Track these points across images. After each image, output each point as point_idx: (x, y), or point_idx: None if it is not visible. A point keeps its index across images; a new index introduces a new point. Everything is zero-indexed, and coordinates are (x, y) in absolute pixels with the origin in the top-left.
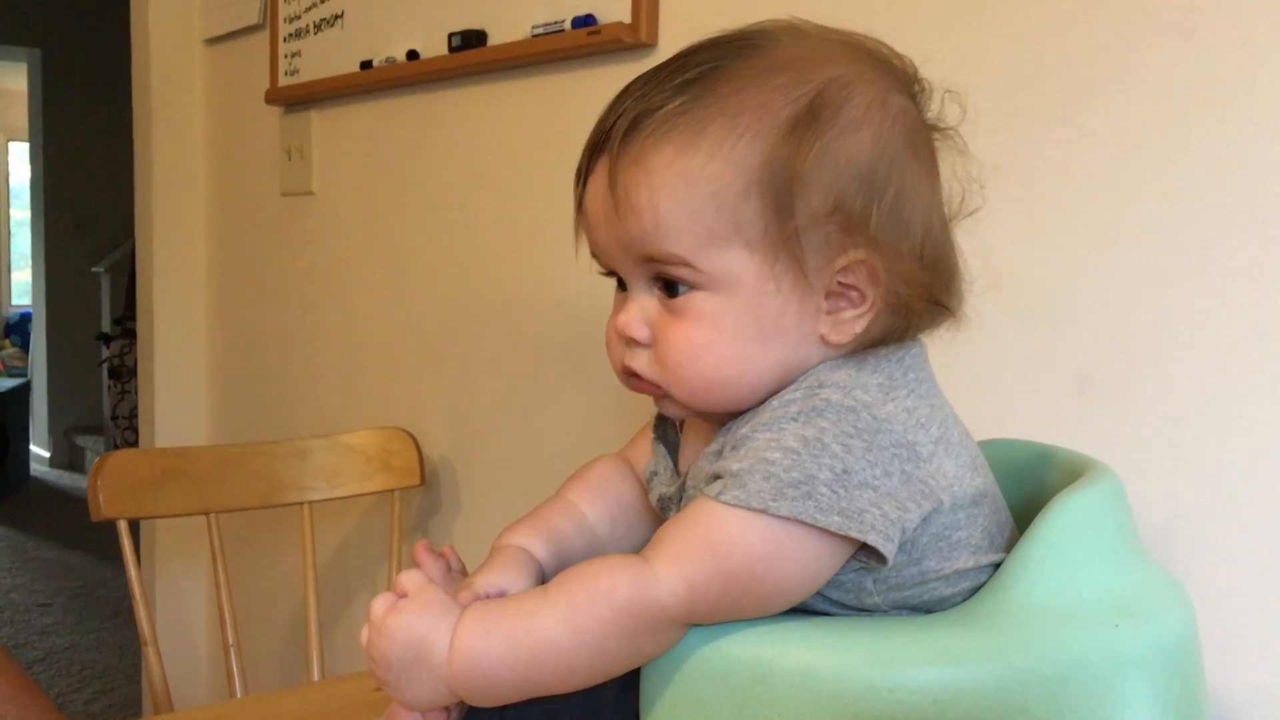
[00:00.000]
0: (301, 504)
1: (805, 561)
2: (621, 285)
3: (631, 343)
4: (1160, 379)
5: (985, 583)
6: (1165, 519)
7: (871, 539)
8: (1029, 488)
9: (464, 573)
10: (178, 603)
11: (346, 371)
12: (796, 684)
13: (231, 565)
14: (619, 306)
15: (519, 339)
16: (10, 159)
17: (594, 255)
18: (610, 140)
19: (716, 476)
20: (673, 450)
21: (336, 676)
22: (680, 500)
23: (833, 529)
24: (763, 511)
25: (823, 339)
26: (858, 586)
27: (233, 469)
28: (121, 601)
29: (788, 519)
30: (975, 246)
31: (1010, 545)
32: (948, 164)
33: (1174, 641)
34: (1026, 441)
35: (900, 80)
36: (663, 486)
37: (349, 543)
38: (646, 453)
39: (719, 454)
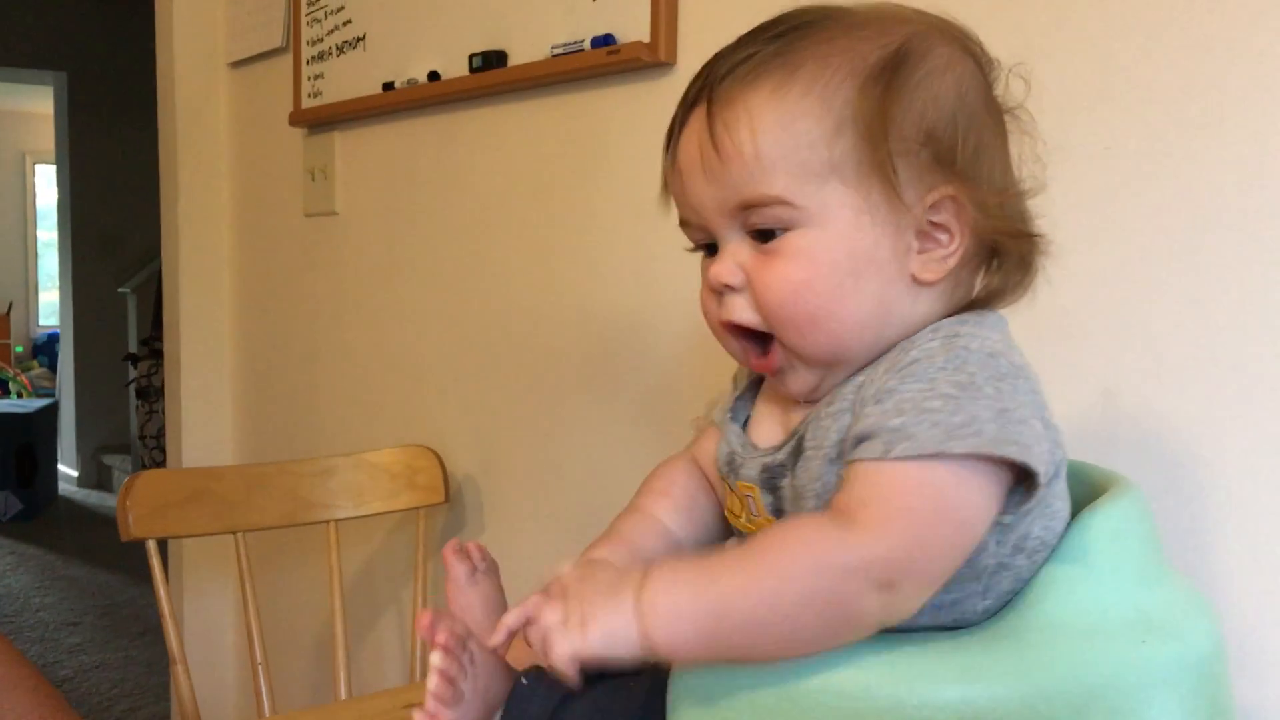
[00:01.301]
0: (327, 522)
1: (982, 498)
2: (709, 252)
3: (727, 290)
4: (1185, 392)
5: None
6: (1191, 533)
7: (1041, 468)
8: None
9: (491, 571)
10: (206, 621)
11: (371, 390)
12: (823, 701)
13: (259, 584)
14: (709, 268)
15: (541, 356)
16: (37, 181)
17: (683, 221)
18: (708, 87)
19: (863, 438)
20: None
21: (364, 695)
22: (796, 465)
23: (1011, 456)
24: (937, 455)
25: (914, 278)
26: (980, 544)
27: (259, 488)
28: (149, 620)
29: (965, 455)
30: None
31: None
32: (1014, 142)
33: (1201, 657)
34: None
35: (971, 51)
36: (764, 458)
37: (375, 561)
38: (711, 449)
39: (849, 410)
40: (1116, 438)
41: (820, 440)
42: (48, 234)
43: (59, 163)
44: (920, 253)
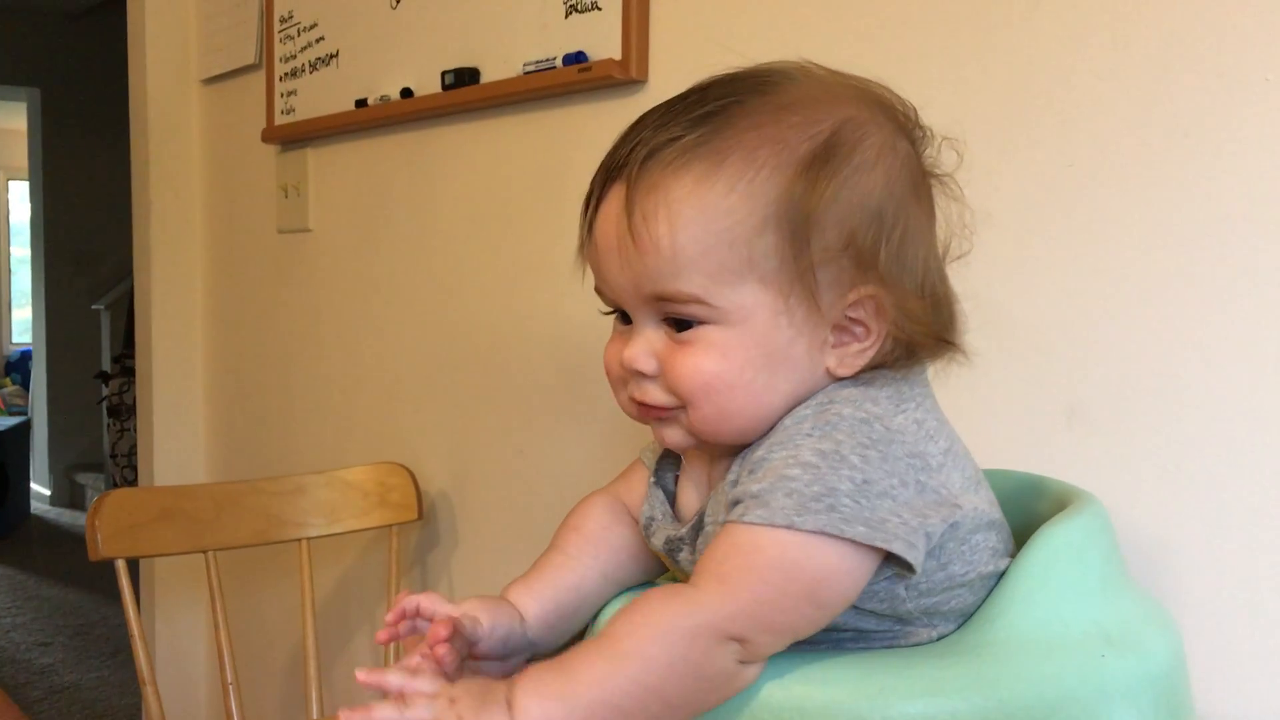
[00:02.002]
0: (300, 540)
1: (837, 559)
2: (624, 318)
3: (638, 375)
4: (1147, 408)
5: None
6: (1153, 547)
7: (896, 547)
8: (1018, 518)
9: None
10: (177, 641)
11: (344, 407)
12: (786, 718)
13: (230, 603)
14: (620, 337)
15: (514, 373)
16: (10, 197)
17: (598, 290)
18: (628, 166)
19: (737, 502)
20: (670, 497)
21: (335, 714)
22: (697, 540)
23: (858, 539)
24: (788, 528)
25: (829, 372)
26: (891, 595)
27: (231, 506)
28: (122, 640)
29: (814, 533)
30: (963, 284)
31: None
32: (941, 209)
33: (1161, 670)
34: (1015, 472)
35: (903, 125)
36: (669, 530)
37: (347, 579)
38: (638, 487)
39: (735, 483)
40: (1082, 453)
41: (716, 515)
42: (21, 250)
43: (32, 179)
44: (836, 346)
